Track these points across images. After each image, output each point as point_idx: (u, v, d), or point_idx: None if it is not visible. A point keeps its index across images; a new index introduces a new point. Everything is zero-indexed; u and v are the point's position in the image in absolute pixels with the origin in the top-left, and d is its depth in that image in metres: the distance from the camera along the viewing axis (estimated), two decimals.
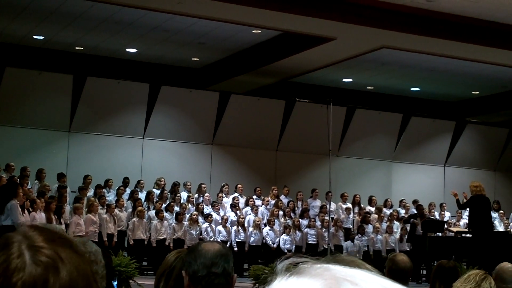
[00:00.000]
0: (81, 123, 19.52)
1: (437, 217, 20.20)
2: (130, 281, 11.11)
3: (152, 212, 17.28)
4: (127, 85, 19.89)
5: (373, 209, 20.07)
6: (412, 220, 18.67)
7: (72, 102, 19.34)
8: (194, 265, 2.90)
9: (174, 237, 16.97)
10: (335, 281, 0.84)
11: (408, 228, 18.93)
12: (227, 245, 17.26)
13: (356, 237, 18.64)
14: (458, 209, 18.83)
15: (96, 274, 2.63)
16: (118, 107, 19.90)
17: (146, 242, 16.82)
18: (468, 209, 16.78)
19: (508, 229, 19.73)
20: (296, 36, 17.46)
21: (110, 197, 17.72)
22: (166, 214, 17.30)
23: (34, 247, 1.04)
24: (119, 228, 16.68)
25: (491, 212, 16.83)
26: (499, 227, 19.90)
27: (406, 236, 18.81)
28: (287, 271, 0.89)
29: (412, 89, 23.30)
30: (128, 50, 19.75)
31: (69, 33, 18.20)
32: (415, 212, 19.57)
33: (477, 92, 23.41)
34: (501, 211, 20.71)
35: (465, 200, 16.28)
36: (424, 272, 17.57)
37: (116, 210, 16.77)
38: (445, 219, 20.08)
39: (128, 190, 18.21)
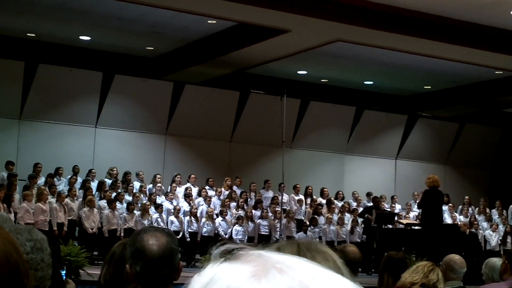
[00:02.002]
0: (32, 111, 19.26)
1: (388, 209, 20.39)
2: (80, 270, 11.04)
3: (103, 202, 17.15)
4: (80, 73, 19.67)
5: (324, 201, 20.20)
6: (366, 215, 18.82)
7: (23, 89, 19.06)
8: (138, 265, 2.88)
9: (125, 227, 16.88)
10: (263, 268, 0.84)
11: (360, 221, 19.11)
12: (180, 235, 17.24)
13: (309, 228, 18.75)
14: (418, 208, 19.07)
15: (32, 260, 2.60)
16: (70, 95, 19.67)
17: (96, 232, 16.71)
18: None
19: (456, 222, 20.00)
20: (251, 27, 17.45)
21: (61, 186, 17.55)
22: (117, 204, 17.20)
23: None
24: (70, 218, 16.52)
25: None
26: (448, 219, 20.18)
27: (362, 229, 18.99)
28: (222, 257, 0.89)
29: (365, 82, 23.47)
30: (81, 37, 19.53)
31: (21, 19, 17.94)
32: (369, 204, 19.76)
33: (429, 87, 23.67)
34: (450, 204, 20.99)
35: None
36: (374, 263, 17.72)
37: (67, 200, 16.60)
38: (396, 211, 20.30)
39: (80, 179, 18.05)
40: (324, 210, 19.63)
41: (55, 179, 17.51)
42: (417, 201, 16.75)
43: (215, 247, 0.92)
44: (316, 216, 19.09)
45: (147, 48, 20.28)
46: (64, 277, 5.09)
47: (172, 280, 2.93)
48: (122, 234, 16.55)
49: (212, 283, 0.84)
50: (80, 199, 17.08)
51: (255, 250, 0.90)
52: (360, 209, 20.19)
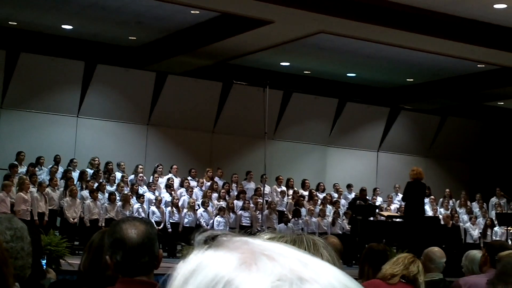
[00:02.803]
0: (14, 99, 19.14)
1: (369, 201, 20.45)
2: (61, 260, 11.00)
3: (85, 192, 17.10)
4: (62, 62, 19.57)
5: (306, 193, 20.24)
6: (359, 201, 18.85)
7: (4, 78, 18.94)
8: (118, 254, 2.87)
9: (107, 216, 16.84)
10: (252, 255, 0.82)
11: (341, 212, 19.18)
12: (161, 226, 17.24)
13: (293, 220, 18.78)
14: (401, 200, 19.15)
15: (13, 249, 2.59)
16: (52, 84, 19.56)
17: (78, 222, 16.66)
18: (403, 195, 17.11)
19: (437, 215, 20.10)
20: (234, 18, 17.42)
21: (42, 175, 17.48)
22: (99, 194, 17.16)
23: None
24: (50, 207, 16.46)
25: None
26: (429, 212, 20.28)
27: (345, 220, 19.07)
28: (205, 244, 0.87)
29: (348, 74, 23.50)
30: (63, 26, 19.41)
31: (3, 7, 17.80)
32: (351, 196, 19.83)
33: (411, 80, 23.74)
34: (432, 197, 21.09)
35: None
36: (356, 255, 17.79)
37: (48, 189, 16.53)
38: (377, 204, 20.37)
39: (61, 169, 17.98)
40: (306, 202, 19.67)
41: (36, 169, 17.42)
42: (402, 195, 16.81)
43: (198, 234, 0.91)
44: (298, 208, 19.12)
45: (129, 37, 20.20)
46: (44, 267, 5.07)
47: (153, 268, 2.93)
48: (103, 224, 16.50)
49: (199, 270, 0.83)
50: (62, 189, 17.01)
51: (239, 237, 0.88)
52: (342, 201, 20.26)
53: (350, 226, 18.80)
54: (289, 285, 0.78)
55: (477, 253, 6.68)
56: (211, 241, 0.87)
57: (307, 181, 20.64)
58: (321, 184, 20.96)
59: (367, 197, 19.85)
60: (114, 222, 3.05)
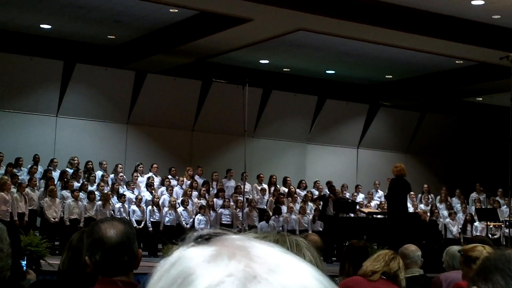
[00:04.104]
0: None
1: (347, 197, 20.49)
2: (41, 260, 10.94)
3: (65, 192, 17.03)
4: (41, 62, 19.46)
5: (287, 190, 20.25)
6: (329, 194, 18.88)
7: None
8: (97, 254, 2.86)
9: (86, 216, 16.78)
10: (226, 251, 0.83)
11: (321, 207, 19.20)
12: (142, 225, 17.20)
13: (273, 217, 18.79)
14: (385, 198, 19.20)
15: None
16: (31, 84, 19.45)
17: (58, 221, 16.58)
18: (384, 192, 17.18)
19: (417, 210, 20.18)
20: (213, 16, 17.40)
21: (22, 175, 17.38)
22: (80, 194, 17.10)
23: None
24: (30, 208, 16.38)
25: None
26: (411, 208, 20.36)
27: (316, 216, 19.08)
28: (195, 241, 0.88)
29: (327, 71, 23.54)
30: (42, 26, 19.30)
31: None
32: (328, 192, 19.84)
33: (390, 76, 23.81)
34: (412, 193, 21.16)
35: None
36: (335, 252, 17.82)
37: (27, 189, 16.45)
38: (358, 200, 20.42)
39: (41, 169, 17.88)
40: (287, 199, 19.68)
41: (15, 170, 17.31)
42: (382, 192, 16.87)
43: (195, 232, 0.91)
44: (278, 205, 19.13)
45: (108, 36, 20.12)
46: (24, 268, 5.05)
47: (132, 268, 2.91)
48: (82, 223, 16.43)
49: (176, 265, 0.84)
50: (42, 189, 16.93)
51: (230, 234, 0.89)
52: None
53: (320, 221, 18.77)
54: (239, 281, 0.79)
55: (457, 249, 6.72)
56: (203, 239, 0.88)
57: (288, 179, 20.64)
58: (303, 181, 21.00)
59: (338, 193, 19.84)
60: (93, 222, 3.04)
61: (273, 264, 0.82)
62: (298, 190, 20.42)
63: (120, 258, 2.86)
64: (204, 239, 0.88)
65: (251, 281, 0.79)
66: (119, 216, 16.79)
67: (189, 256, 0.84)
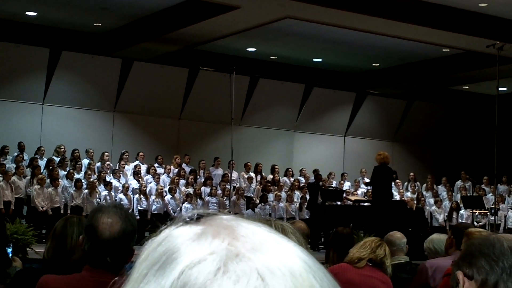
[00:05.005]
0: None
1: (334, 186, 20.54)
2: (28, 248, 10.94)
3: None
4: (27, 49, 19.36)
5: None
6: (320, 182, 18.92)
7: None
8: (87, 244, 2.84)
9: (72, 204, 16.75)
10: (212, 229, 0.84)
11: (308, 196, 19.24)
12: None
13: (260, 205, 18.81)
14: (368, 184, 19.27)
15: None
16: (16, 71, 19.36)
17: (46, 210, 16.53)
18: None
19: (404, 198, 20.26)
20: (200, 3, 17.34)
21: (8, 164, 17.31)
22: (66, 182, 17.06)
23: None
24: (17, 196, 16.33)
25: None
26: (397, 196, 20.43)
27: (306, 204, 19.11)
28: (183, 221, 0.88)
29: (314, 60, 23.53)
30: (27, 13, 19.18)
31: None
32: (314, 180, 19.88)
33: (377, 64, 23.83)
34: (398, 181, 21.26)
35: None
36: (323, 240, 17.89)
37: (14, 177, 16.39)
38: (344, 188, 20.47)
39: (26, 157, 17.81)
40: (273, 187, 19.71)
41: (0, 158, 17.24)
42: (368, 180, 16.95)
43: (186, 213, 0.91)
44: (265, 193, 19.16)
45: (95, 24, 20.02)
46: (10, 255, 5.04)
47: (118, 270, 2.78)
48: (68, 212, 16.38)
49: (162, 243, 0.84)
50: (28, 177, 16.86)
51: (219, 214, 0.89)
52: None
53: (308, 209, 18.83)
54: (220, 259, 0.79)
55: (441, 236, 6.78)
56: (192, 219, 0.88)
57: (276, 167, 20.65)
58: (290, 169, 21.02)
59: (325, 181, 19.90)
60: (97, 207, 3.03)
61: (257, 243, 0.82)
62: (284, 178, 20.44)
63: (107, 257, 2.81)
64: (194, 219, 0.88)
65: (232, 259, 0.79)
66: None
67: (175, 235, 0.85)
